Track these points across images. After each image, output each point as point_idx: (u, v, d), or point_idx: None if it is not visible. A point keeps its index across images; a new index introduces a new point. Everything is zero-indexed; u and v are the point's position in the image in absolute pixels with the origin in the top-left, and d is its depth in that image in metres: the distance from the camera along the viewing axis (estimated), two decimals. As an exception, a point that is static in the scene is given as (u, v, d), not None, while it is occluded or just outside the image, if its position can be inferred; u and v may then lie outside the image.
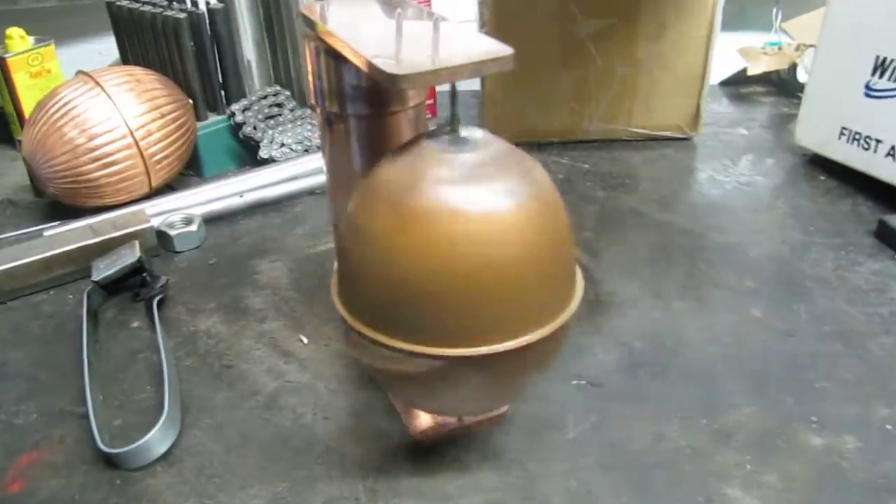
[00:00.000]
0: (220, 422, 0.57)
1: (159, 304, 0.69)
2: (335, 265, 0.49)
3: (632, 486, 0.50)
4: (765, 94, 1.17)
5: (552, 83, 0.97)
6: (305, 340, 0.65)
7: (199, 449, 0.54)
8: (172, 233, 0.78)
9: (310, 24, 0.53)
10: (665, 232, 0.80)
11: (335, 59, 0.51)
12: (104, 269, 0.70)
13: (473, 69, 0.42)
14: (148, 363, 0.63)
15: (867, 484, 0.50)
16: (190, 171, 0.94)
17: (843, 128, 0.86)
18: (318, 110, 0.56)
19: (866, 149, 0.84)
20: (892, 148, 0.80)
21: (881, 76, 0.81)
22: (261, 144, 0.93)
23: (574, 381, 0.59)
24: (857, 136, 0.85)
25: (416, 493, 0.50)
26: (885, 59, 0.80)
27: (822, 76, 0.89)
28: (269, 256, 0.78)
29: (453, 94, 0.43)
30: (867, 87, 0.83)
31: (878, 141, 0.82)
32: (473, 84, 1.06)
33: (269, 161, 0.92)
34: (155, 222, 0.79)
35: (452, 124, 0.44)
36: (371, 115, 0.53)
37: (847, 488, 0.50)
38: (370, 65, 0.42)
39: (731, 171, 0.93)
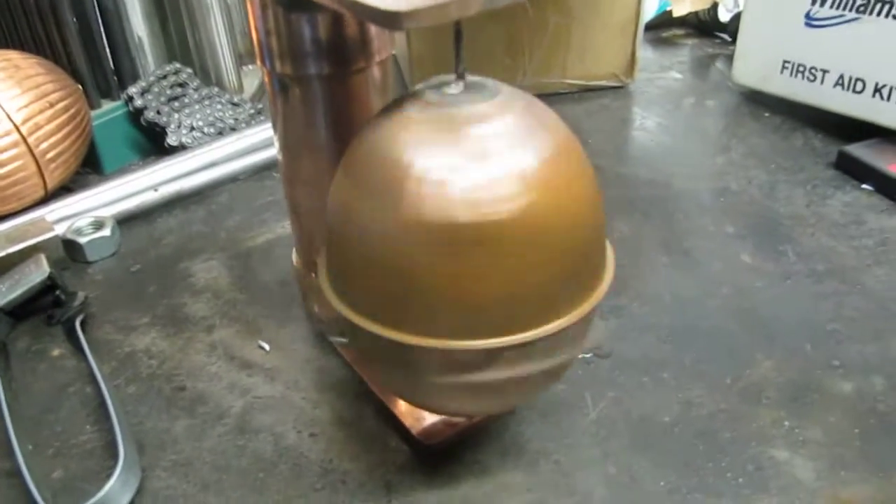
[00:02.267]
0: (188, 456, 0.48)
1: (82, 325, 0.58)
2: (322, 256, 0.41)
3: (675, 464, 0.45)
4: (685, 36, 1.15)
5: (483, 38, 0.90)
6: (267, 347, 0.57)
7: (170, 493, 0.45)
8: (82, 240, 0.67)
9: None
10: (629, 184, 0.76)
11: (288, 8, 0.42)
12: (7, 292, 0.59)
13: (473, 4, 0.35)
14: (81, 397, 0.53)
15: (911, 425, 0.47)
16: (87, 168, 0.82)
17: (785, 61, 0.84)
18: (265, 73, 0.47)
19: (812, 80, 0.82)
20: (840, 77, 0.79)
21: (822, 4, 0.79)
22: (167, 130, 0.82)
23: (579, 356, 0.54)
24: (801, 69, 0.83)
25: (440, 509, 0.44)
26: (824, -13, 0.78)
27: (758, 10, 0.87)
28: (200, 255, 0.68)
29: (458, 34, 0.36)
30: (808, 16, 0.81)
31: (824, 71, 0.80)
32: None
33: (179, 148, 0.81)
34: (59, 230, 0.67)
35: (458, 71, 0.37)
36: (333, 74, 0.45)
37: (893, 431, 0.47)
38: (356, 5, 0.34)
39: (677, 117, 0.90)
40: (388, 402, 0.50)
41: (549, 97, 0.96)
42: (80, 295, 0.61)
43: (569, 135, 0.37)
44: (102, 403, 0.51)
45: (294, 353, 0.56)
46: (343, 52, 0.44)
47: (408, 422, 0.48)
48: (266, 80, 0.48)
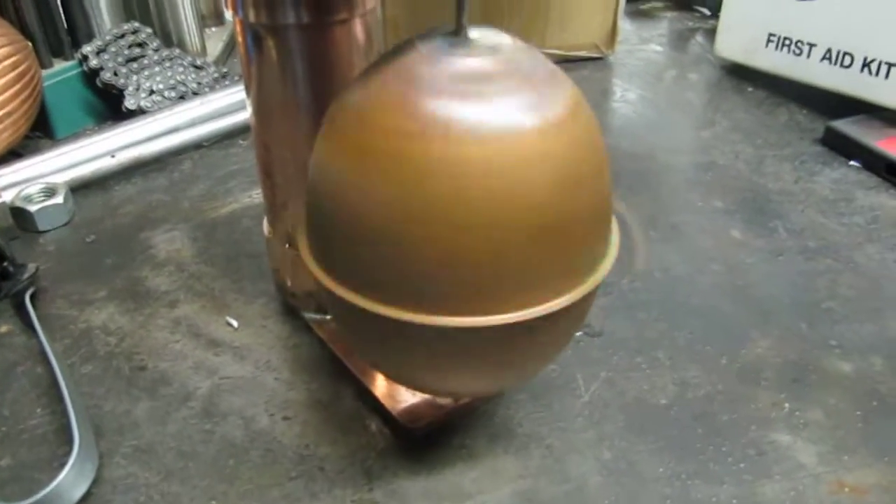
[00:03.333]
0: (149, 441, 0.44)
1: (32, 299, 0.54)
2: (302, 226, 0.38)
3: (673, 448, 0.43)
4: (664, 8, 1.12)
5: (460, 3, 0.86)
6: (235, 324, 0.53)
7: (130, 482, 0.41)
8: (32, 208, 0.62)
9: None
10: (612, 157, 0.72)
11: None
12: (-52, 263, 0.54)
13: None
14: (31, 377, 0.49)
15: (913, 407, 0.46)
16: (37, 132, 0.76)
17: (771, 34, 0.82)
18: (237, 23, 0.43)
19: (798, 54, 0.80)
20: (828, 51, 0.77)
21: (811, -24, 0.77)
22: (125, 93, 0.76)
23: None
24: (788, 42, 0.81)
25: (427, 496, 0.40)
26: (813, -43, 0.76)
27: (743, -18, 0.84)
28: (162, 226, 0.63)
29: (460, -24, 0.32)
30: (796, -12, 0.79)
31: (811, 45, 0.79)
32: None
33: (137, 112, 0.76)
34: (6, 197, 0.62)
35: (459, 21, 0.33)
36: (312, 24, 0.41)
37: (893, 413, 0.45)
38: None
39: (659, 89, 0.88)
40: (367, 382, 0.46)
41: (528, 67, 0.92)
42: (31, 266, 0.56)
43: (579, 97, 0.34)
44: (55, 384, 0.46)
45: (264, 331, 0.52)
46: (325, 1, 0.40)
47: (389, 404, 0.45)
48: (238, 31, 0.43)
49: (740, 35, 0.86)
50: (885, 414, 0.45)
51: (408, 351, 0.34)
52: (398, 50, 0.34)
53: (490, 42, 0.33)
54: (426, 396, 0.45)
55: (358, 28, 0.42)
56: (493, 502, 0.40)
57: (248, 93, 0.45)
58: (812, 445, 0.43)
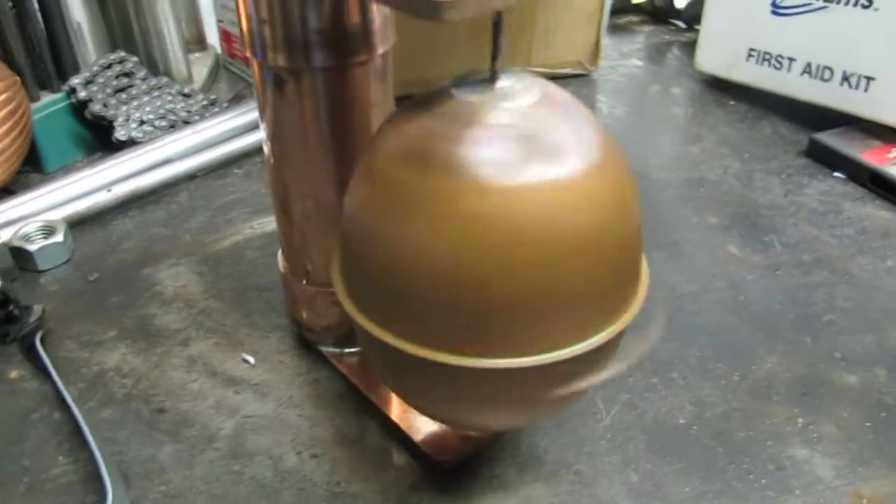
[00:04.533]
0: (178, 486, 0.44)
1: (41, 342, 0.53)
2: (337, 264, 0.38)
3: (696, 468, 0.44)
4: (640, 23, 1.14)
5: (445, 24, 0.87)
6: (252, 360, 0.53)
7: (166, 530, 0.41)
8: (32, 247, 0.61)
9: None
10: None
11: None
12: (-47, 310, 0.53)
13: None
14: (49, 424, 0.48)
15: (919, 417, 0.48)
16: (26, 166, 0.75)
17: (751, 49, 0.84)
18: (255, 65, 0.43)
19: (778, 69, 0.82)
20: (808, 65, 0.79)
21: (788, -8, 0.79)
22: (115, 124, 0.76)
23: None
24: (768, 57, 0.83)
25: (464, 530, 0.41)
26: (791, -25, 0.79)
27: (722, -2, 0.87)
28: (165, 261, 0.63)
29: (497, 26, 0.33)
30: (774, 4, 0.81)
31: (791, 59, 0.81)
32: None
33: (128, 144, 0.75)
34: (3, 236, 0.61)
35: (494, 65, 0.34)
36: (335, 66, 0.41)
37: (902, 425, 0.47)
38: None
39: (644, 105, 0.90)
40: (392, 416, 0.47)
41: (514, 86, 0.93)
42: (37, 308, 0.56)
43: (608, 135, 0.35)
44: (76, 430, 0.46)
45: (282, 366, 0.52)
46: (345, 43, 0.41)
47: (417, 437, 0.45)
48: (256, 72, 0.44)
49: (720, 50, 0.88)
50: (893, 425, 0.47)
51: (454, 391, 0.35)
52: (433, 96, 0.34)
53: (524, 86, 0.34)
54: (455, 430, 0.45)
55: (376, 68, 0.43)
56: (528, 531, 0.41)
57: (264, 131, 0.46)
58: (828, 459, 0.45)
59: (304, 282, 0.49)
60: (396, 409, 0.47)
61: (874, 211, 0.68)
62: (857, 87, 0.76)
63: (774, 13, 0.81)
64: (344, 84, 0.42)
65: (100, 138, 0.78)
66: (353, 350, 0.52)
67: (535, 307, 0.31)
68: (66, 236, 0.63)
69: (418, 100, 0.35)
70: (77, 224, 0.67)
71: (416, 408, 0.42)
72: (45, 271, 0.62)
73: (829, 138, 0.75)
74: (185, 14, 0.91)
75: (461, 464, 0.45)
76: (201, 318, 0.57)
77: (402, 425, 0.46)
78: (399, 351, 0.34)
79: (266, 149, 0.47)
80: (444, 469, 0.44)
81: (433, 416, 0.42)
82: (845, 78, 0.76)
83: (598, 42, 0.93)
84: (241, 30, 0.43)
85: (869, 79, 0.74)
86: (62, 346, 0.54)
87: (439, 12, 0.29)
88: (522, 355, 0.32)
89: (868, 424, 0.47)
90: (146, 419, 0.48)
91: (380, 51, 0.42)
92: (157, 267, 0.62)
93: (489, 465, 0.45)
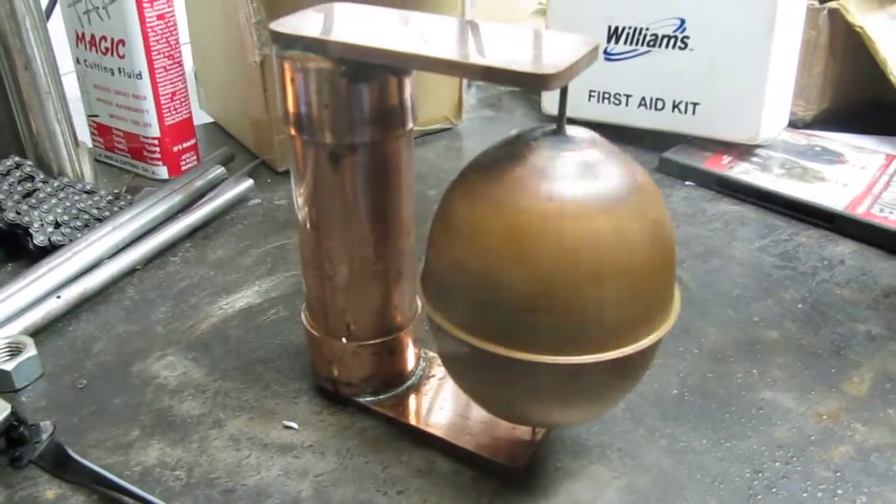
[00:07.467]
0: (293, 549, 0.46)
1: (58, 456, 0.52)
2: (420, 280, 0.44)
3: (704, 423, 0.55)
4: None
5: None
6: (295, 426, 0.55)
7: (308, 586, 0.44)
8: (8, 367, 0.58)
9: (293, 41, 0.45)
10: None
11: (353, 80, 0.45)
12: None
13: (587, 60, 0.42)
14: (123, 530, 0.47)
15: None
16: (-63, 289, 0.69)
17: (591, 90, 1.00)
18: (298, 145, 0.48)
19: (617, 104, 0.99)
20: (643, 99, 0.96)
21: (616, 42, 0.96)
22: (30, 230, 0.73)
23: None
24: (607, 95, 0.99)
25: (561, 515, 0.48)
26: (616, 28, 0.95)
27: (559, 50, 1.02)
28: (151, 355, 0.63)
29: (564, 90, 0.42)
30: (606, 52, 0.97)
31: (627, 96, 0.98)
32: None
33: (48, 248, 0.73)
34: (-30, 362, 0.58)
35: (560, 122, 0.43)
36: (379, 140, 0.48)
37: (819, 357, 0.62)
38: (503, 72, 0.39)
39: (513, 147, 1.02)
40: (453, 440, 0.53)
41: (396, 144, 1.02)
42: (46, 424, 0.54)
43: (654, 184, 0.45)
44: (160, 528, 0.46)
45: (326, 424, 0.55)
46: (390, 118, 0.47)
47: (486, 452, 0.51)
48: (297, 149, 0.48)
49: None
50: (814, 359, 0.62)
51: (535, 390, 0.43)
52: (510, 144, 0.43)
53: (586, 137, 0.43)
54: (507, 435, 0.52)
55: (406, 141, 0.50)
56: (607, 501, 0.49)
57: (302, 203, 0.50)
58: (787, 394, 0.58)
59: (344, 339, 0.54)
60: (451, 432, 0.53)
61: (728, 207, 0.85)
62: (685, 111, 0.94)
63: (608, 59, 0.98)
64: (387, 156, 0.49)
65: (13, 246, 0.74)
66: (388, 395, 0.56)
67: (603, 315, 0.41)
68: (35, 349, 0.60)
69: (497, 147, 0.44)
70: (34, 335, 0.64)
71: (490, 409, 0.49)
72: (21, 389, 0.59)
73: (675, 155, 0.92)
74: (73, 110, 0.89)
75: (526, 464, 0.51)
76: (221, 400, 0.58)
77: (469, 446, 0.52)
78: (486, 352, 0.41)
79: (302, 218, 0.51)
80: (517, 472, 0.51)
81: (508, 417, 0.49)
82: (675, 105, 0.94)
83: (459, 97, 1.04)
84: (285, 111, 0.47)
85: (694, 104, 0.93)
86: (88, 455, 0.53)
87: (548, 84, 0.38)
88: (594, 353, 0.41)
89: (800, 364, 0.61)
90: (220, 502, 0.49)
91: (412, 124, 0.49)
92: (146, 362, 0.62)
93: (551, 460, 0.52)
